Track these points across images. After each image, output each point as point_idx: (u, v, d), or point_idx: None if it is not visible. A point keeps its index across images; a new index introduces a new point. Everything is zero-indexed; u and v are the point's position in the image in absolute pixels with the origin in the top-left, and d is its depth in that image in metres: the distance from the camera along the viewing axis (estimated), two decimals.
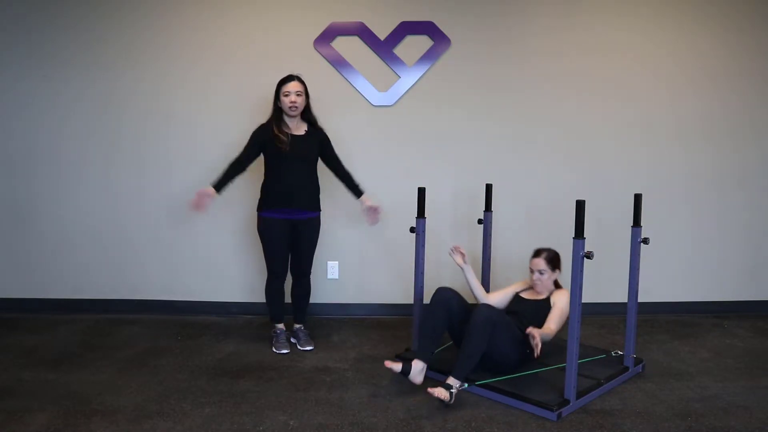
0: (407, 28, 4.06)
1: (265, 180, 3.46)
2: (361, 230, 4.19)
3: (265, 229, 3.45)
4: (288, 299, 3.66)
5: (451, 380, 2.82)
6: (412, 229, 3.37)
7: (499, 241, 4.14)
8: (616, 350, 3.31)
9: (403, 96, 4.11)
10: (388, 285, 4.23)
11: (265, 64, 4.03)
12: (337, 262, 4.22)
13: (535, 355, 2.85)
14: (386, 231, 4.19)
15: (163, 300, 4.24)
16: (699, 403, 2.84)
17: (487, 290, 3.71)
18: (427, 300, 3.54)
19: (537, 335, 2.80)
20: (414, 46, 4.08)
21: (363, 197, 3.60)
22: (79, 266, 4.22)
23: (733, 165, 4.24)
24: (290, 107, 3.36)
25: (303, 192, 3.43)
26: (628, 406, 2.82)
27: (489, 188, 3.76)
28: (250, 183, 4.09)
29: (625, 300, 3.21)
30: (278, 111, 3.42)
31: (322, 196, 3.59)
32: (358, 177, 4.17)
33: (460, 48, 4.09)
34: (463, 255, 3.35)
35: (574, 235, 2.69)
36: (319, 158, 3.57)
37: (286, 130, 3.41)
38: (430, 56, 4.08)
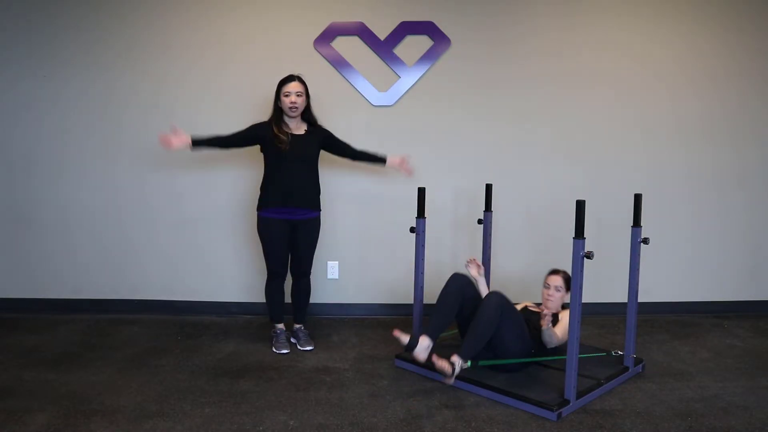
0: (407, 28, 4.06)
1: (264, 179, 3.46)
2: (361, 230, 4.19)
3: (265, 229, 3.45)
4: (288, 299, 3.66)
5: (455, 358, 2.84)
6: (412, 229, 3.37)
7: (499, 241, 4.14)
8: (616, 350, 3.31)
9: (403, 96, 4.11)
10: (388, 285, 4.23)
11: (265, 64, 4.03)
12: (337, 262, 4.22)
13: (542, 323, 2.95)
14: (386, 231, 4.19)
15: (163, 300, 4.24)
16: (699, 403, 2.84)
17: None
18: (427, 300, 3.54)
19: (549, 313, 2.94)
20: (414, 46, 4.08)
21: (389, 160, 3.63)
22: (79, 266, 4.22)
23: (733, 165, 4.24)
24: (290, 107, 3.36)
25: (303, 191, 3.42)
26: (628, 406, 2.82)
27: (489, 188, 3.76)
28: (250, 183, 4.09)
29: (625, 300, 3.21)
30: (278, 111, 3.42)
31: (322, 196, 3.58)
32: (359, 177, 4.18)
33: (460, 48, 4.09)
34: (479, 267, 3.45)
35: (574, 235, 2.69)
36: (331, 153, 3.59)
37: (287, 130, 3.41)
38: (430, 56, 4.08)
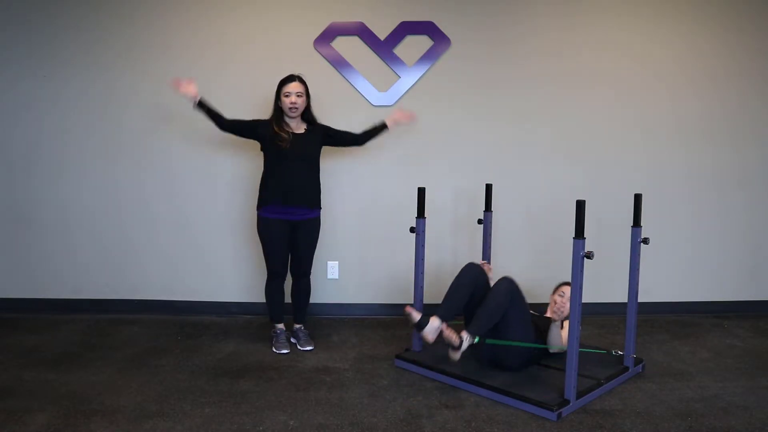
0: (407, 28, 4.06)
1: (264, 178, 3.45)
2: (361, 230, 4.19)
3: (265, 229, 3.44)
4: (288, 299, 3.66)
5: (464, 333, 2.88)
6: (412, 229, 3.37)
7: (499, 241, 4.14)
8: (616, 350, 3.31)
9: (403, 96, 4.11)
10: (388, 285, 4.23)
11: (265, 64, 4.03)
12: (337, 262, 4.22)
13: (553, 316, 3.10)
14: (386, 231, 4.19)
15: (163, 300, 4.24)
16: (699, 403, 2.84)
17: None
18: (427, 300, 3.54)
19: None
20: (414, 46, 4.08)
21: (387, 121, 3.63)
22: (79, 266, 4.22)
23: (733, 165, 4.24)
24: (290, 107, 3.37)
25: (303, 190, 3.42)
26: (628, 406, 2.82)
27: (489, 188, 3.76)
28: (250, 183, 4.09)
29: (625, 300, 3.21)
30: (279, 110, 3.43)
31: (322, 196, 3.58)
32: (358, 177, 4.18)
33: (460, 48, 4.09)
34: (489, 269, 3.50)
35: (574, 235, 2.69)
36: (336, 146, 3.60)
37: (287, 129, 3.41)
38: (430, 56, 4.08)
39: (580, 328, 2.80)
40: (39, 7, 4.04)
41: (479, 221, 3.79)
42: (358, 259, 4.22)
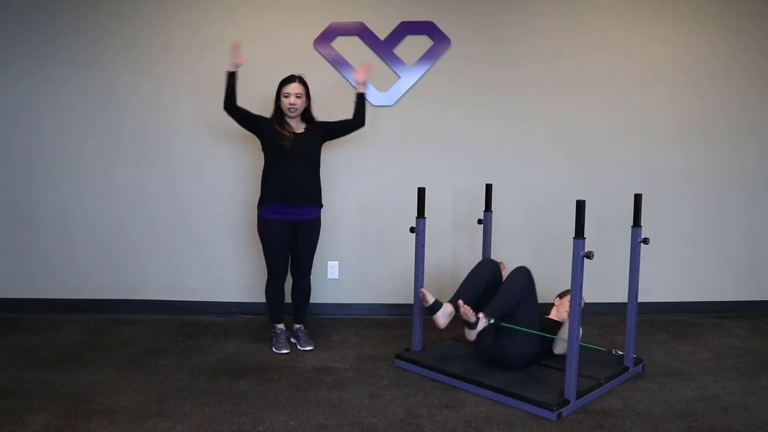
0: (407, 28, 4.06)
1: (265, 176, 3.44)
2: (361, 230, 4.20)
3: (265, 229, 3.44)
4: (288, 299, 3.66)
5: (481, 314, 2.91)
6: (412, 229, 3.37)
7: (499, 241, 4.14)
8: (616, 350, 3.31)
9: (403, 96, 4.11)
10: (388, 285, 4.23)
11: (265, 64, 4.02)
12: (337, 262, 4.22)
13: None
14: (386, 231, 4.19)
15: (163, 300, 4.24)
16: (699, 403, 2.84)
17: None
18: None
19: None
20: (414, 46, 4.08)
21: (358, 89, 3.58)
22: (79, 266, 4.22)
23: (733, 165, 4.24)
24: (289, 108, 3.37)
25: (303, 190, 3.42)
26: (628, 406, 2.82)
27: (489, 188, 3.76)
28: (250, 183, 4.09)
29: (625, 300, 3.21)
30: (279, 110, 3.43)
31: (323, 196, 3.58)
32: (358, 177, 4.18)
33: (460, 48, 4.09)
34: (504, 269, 3.49)
35: (574, 235, 2.69)
36: (339, 137, 3.59)
37: (288, 129, 3.41)
38: (430, 56, 4.08)
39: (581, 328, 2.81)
40: (39, 7, 4.05)
41: (479, 221, 3.79)
42: (358, 259, 4.22)
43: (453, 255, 4.22)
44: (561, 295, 3.47)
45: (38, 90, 4.11)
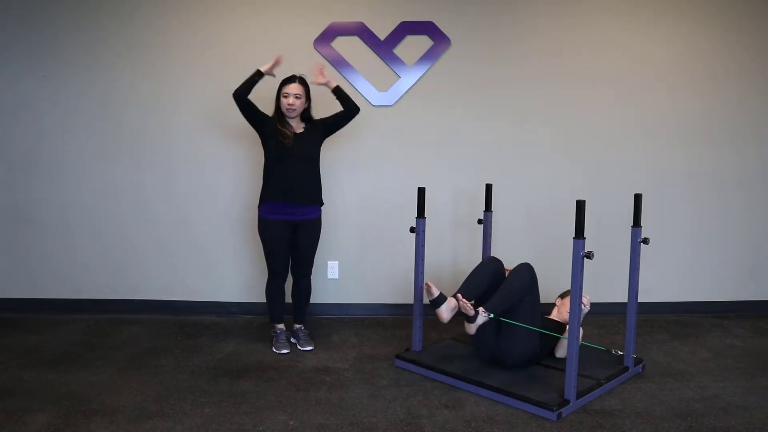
0: (407, 28, 4.06)
1: (266, 177, 3.44)
2: (361, 230, 4.20)
3: (266, 230, 3.44)
4: (288, 299, 3.66)
5: (481, 309, 2.91)
6: (412, 229, 3.37)
7: (499, 241, 4.14)
8: (616, 350, 3.31)
9: (403, 96, 4.11)
10: (388, 285, 4.23)
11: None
12: (337, 262, 4.22)
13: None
14: (386, 231, 4.19)
15: (163, 300, 4.24)
16: (699, 403, 2.84)
17: None
18: (426, 300, 3.54)
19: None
20: (414, 46, 4.08)
21: (329, 85, 3.50)
22: (79, 266, 4.22)
23: (733, 165, 4.24)
24: (287, 108, 3.37)
25: (303, 189, 3.42)
26: (628, 406, 2.82)
27: (489, 188, 3.76)
28: (250, 183, 4.09)
29: (625, 300, 3.21)
30: (279, 110, 3.43)
31: (323, 196, 3.58)
32: (358, 177, 4.18)
33: (460, 48, 4.09)
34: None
35: (574, 235, 2.69)
36: (336, 130, 3.56)
37: (288, 129, 3.41)
38: (430, 56, 4.08)
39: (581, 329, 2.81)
40: (39, 7, 4.04)
41: (479, 221, 3.79)
42: (358, 259, 4.22)
43: (453, 255, 4.22)
44: (562, 296, 3.47)
45: (38, 90, 4.11)
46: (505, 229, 4.18)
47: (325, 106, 3.79)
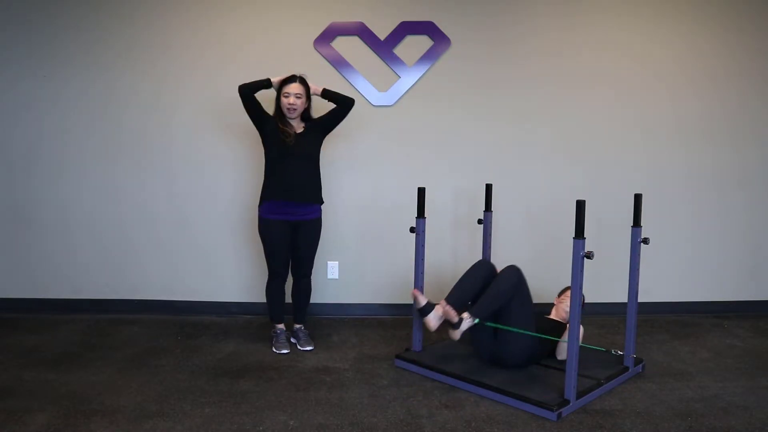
0: (407, 28, 4.06)
1: (267, 176, 3.44)
2: (361, 230, 4.20)
3: (266, 230, 3.44)
4: (288, 299, 3.66)
5: (465, 314, 2.90)
6: (412, 229, 3.37)
7: (499, 241, 4.14)
8: (616, 350, 3.31)
9: (403, 96, 4.11)
10: (388, 285, 4.23)
11: (265, 64, 4.02)
12: (337, 262, 4.22)
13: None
14: (386, 231, 4.19)
15: (163, 300, 4.24)
16: (699, 403, 2.84)
17: None
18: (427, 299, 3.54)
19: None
20: (414, 46, 4.08)
21: (320, 93, 3.50)
22: (79, 266, 4.22)
23: (733, 165, 4.24)
24: (288, 108, 3.37)
25: (304, 188, 3.41)
26: (628, 406, 2.82)
27: (489, 188, 3.76)
28: (250, 183, 4.10)
29: (625, 300, 3.21)
30: (280, 109, 3.43)
31: (323, 196, 3.58)
32: (358, 177, 4.18)
33: (460, 48, 4.09)
34: None
35: (574, 235, 2.69)
36: (334, 126, 3.53)
37: (289, 129, 3.41)
38: (430, 56, 4.08)
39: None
40: (39, 7, 4.05)
41: (479, 221, 3.79)
42: (358, 259, 4.22)
43: (453, 255, 4.22)
44: (560, 294, 3.47)
45: (38, 90, 4.11)
46: (505, 229, 4.18)
47: (326, 107, 3.79)
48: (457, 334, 2.91)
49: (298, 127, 3.47)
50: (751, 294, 4.33)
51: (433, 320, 2.96)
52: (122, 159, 4.15)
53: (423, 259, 3.39)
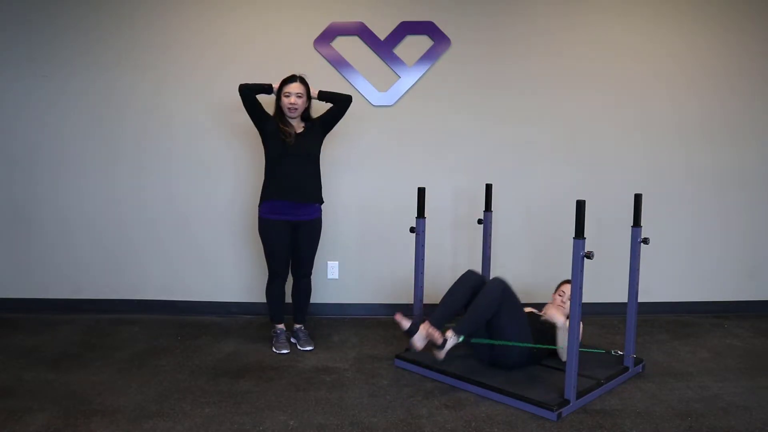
0: (407, 28, 4.06)
1: (267, 176, 3.43)
2: (361, 230, 4.20)
3: (266, 230, 3.44)
4: (288, 299, 3.66)
5: (450, 333, 2.88)
6: (412, 229, 3.37)
7: (499, 241, 4.14)
8: (616, 350, 3.31)
9: (403, 96, 4.11)
10: (388, 285, 4.23)
11: (265, 64, 4.03)
12: (337, 262, 4.22)
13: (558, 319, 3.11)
14: (386, 231, 4.19)
15: (163, 300, 4.24)
16: (699, 403, 2.84)
17: None
18: (427, 300, 3.54)
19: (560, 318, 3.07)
20: (414, 46, 4.08)
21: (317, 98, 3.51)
22: (79, 266, 4.22)
23: (733, 165, 4.24)
24: (289, 108, 3.37)
25: (304, 188, 3.42)
26: (628, 406, 2.82)
27: (489, 188, 3.76)
28: (250, 183, 4.10)
29: (625, 300, 3.21)
30: (280, 109, 3.43)
31: (323, 197, 3.58)
32: (359, 177, 4.18)
33: (460, 48, 4.09)
34: None
35: (574, 235, 2.69)
36: (334, 124, 3.53)
37: (289, 129, 3.41)
38: (430, 56, 4.08)
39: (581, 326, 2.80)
40: (39, 7, 4.05)
41: (479, 221, 3.79)
42: (358, 259, 4.22)
43: (453, 255, 4.22)
44: (557, 287, 3.45)
45: (38, 90, 4.11)
46: (505, 229, 4.18)
47: (325, 106, 3.79)
48: (441, 354, 2.91)
49: (298, 126, 3.47)
50: (751, 294, 4.33)
51: (418, 341, 2.95)
52: (122, 159, 4.15)
53: (423, 259, 3.39)
